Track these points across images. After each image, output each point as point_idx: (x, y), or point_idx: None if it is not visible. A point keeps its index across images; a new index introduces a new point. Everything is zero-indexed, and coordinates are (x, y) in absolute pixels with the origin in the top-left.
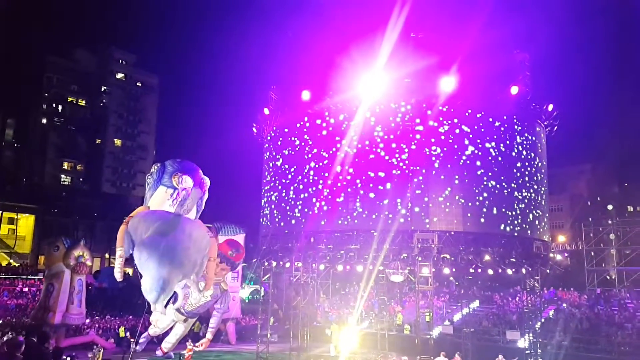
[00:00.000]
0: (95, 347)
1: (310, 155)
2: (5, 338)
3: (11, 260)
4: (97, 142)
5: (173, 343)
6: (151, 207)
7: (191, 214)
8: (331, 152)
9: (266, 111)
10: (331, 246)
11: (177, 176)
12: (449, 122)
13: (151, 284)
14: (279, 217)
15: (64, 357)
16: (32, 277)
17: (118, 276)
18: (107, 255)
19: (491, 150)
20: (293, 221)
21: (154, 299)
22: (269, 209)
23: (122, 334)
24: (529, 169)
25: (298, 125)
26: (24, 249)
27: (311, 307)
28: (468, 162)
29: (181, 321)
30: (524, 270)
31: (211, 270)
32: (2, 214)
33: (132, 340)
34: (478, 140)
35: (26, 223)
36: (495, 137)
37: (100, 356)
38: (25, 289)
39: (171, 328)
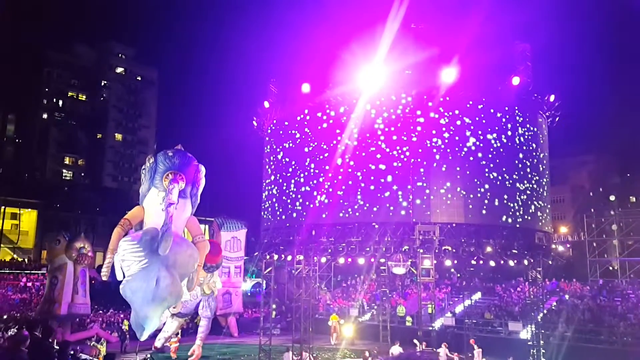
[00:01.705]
0: (93, 339)
1: (310, 148)
2: (9, 333)
3: (15, 255)
4: (97, 136)
5: (164, 339)
6: (145, 207)
7: (186, 212)
8: (332, 144)
9: (266, 104)
10: (332, 239)
11: (168, 179)
12: (450, 113)
13: (136, 322)
14: (280, 210)
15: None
16: (36, 271)
17: (104, 277)
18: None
19: (492, 141)
20: (294, 214)
21: (140, 335)
22: (270, 202)
23: (126, 327)
24: (530, 160)
25: (298, 118)
26: (27, 244)
27: (313, 300)
28: (469, 153)
29: (169, 317)
30: (526, 262)
31: (196, 276)
32: (4, 209)
33: (127, 334)
34: (479, 132)
35: (29, 218)
36: (496, 128)
37: (104, 349)
38: (29, 284)
39: (163, 324)
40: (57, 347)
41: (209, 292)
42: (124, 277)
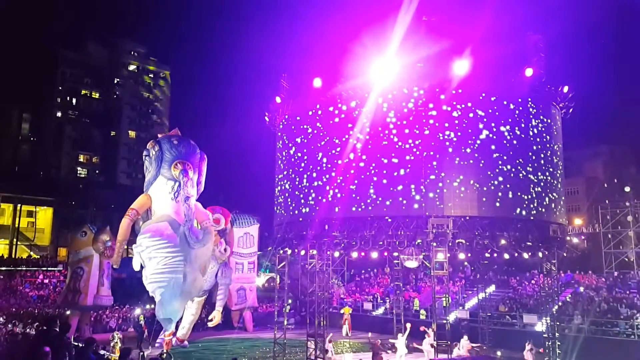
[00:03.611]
0: (114, 334)
1: (322, 143)
2: (27, 330)
3: (31, 253)
4: (111, 134)
5: (187, 330)
6: (152, 196)
7: (192, 201)
8: (344, 139)
9: (278, 99)
10: (345, 233)
11: (177, 169)
12: (463, 106)
13: (164, 315)
14: (293, 205)
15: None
16: (53, 268)
17: (115, 265)
18: (125, 246)
19: (506, 133)
20: (307, 209)
21: (167, 326)
22: (282, 197)
23: (141, 320)
24: (544, 151)
25: (310, 113)
26: (44, 241)
27: (326, 294)
28: (482, 146)
29: (190, 302)
30: (540, 254)
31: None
32: (20, 207)
33: (145, 330)
34: (492, 124)
35: (45, 216)
36: (509, 120)
37: (119, 343)
38: (46, 280)
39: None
40: (82, 345)
41: (224, 259)
42: (142, 268)
